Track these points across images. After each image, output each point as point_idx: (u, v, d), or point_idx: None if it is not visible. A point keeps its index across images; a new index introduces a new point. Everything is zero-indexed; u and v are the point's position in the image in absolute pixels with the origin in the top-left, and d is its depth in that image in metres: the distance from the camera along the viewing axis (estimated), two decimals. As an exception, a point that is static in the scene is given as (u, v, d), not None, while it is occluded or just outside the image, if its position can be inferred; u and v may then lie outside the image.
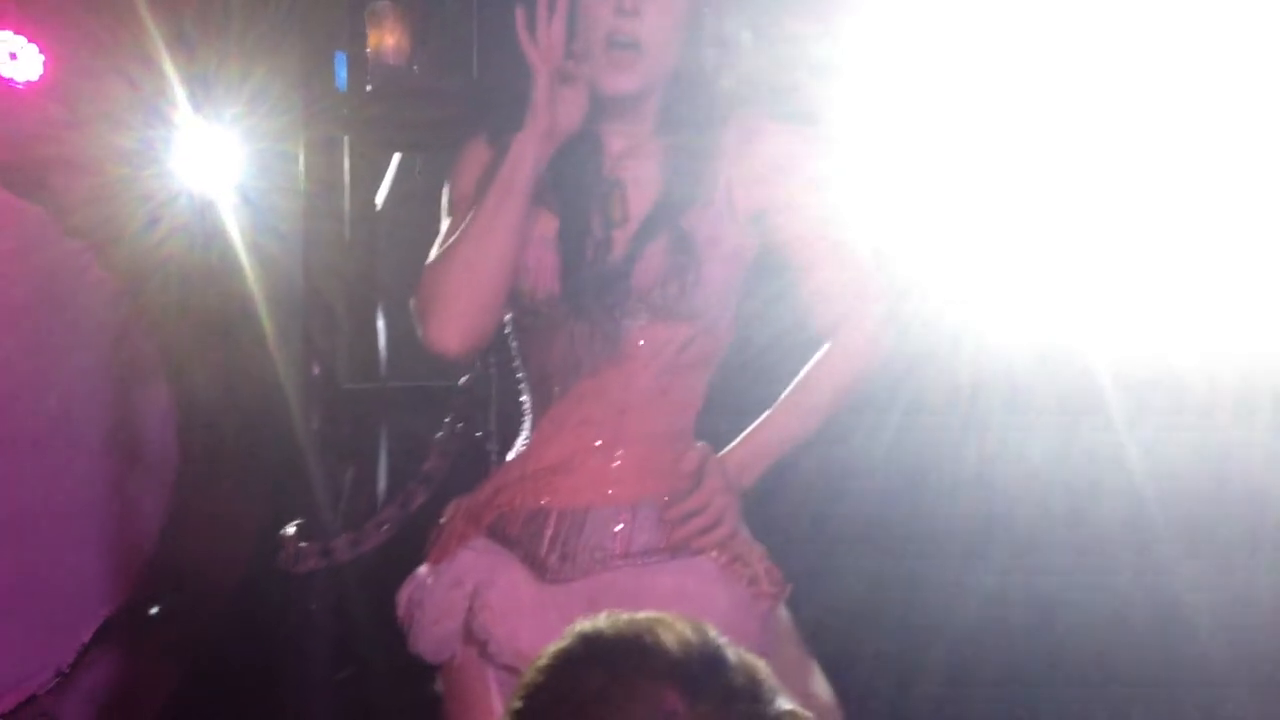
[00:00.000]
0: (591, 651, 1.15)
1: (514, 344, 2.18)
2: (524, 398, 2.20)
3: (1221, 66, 2.78)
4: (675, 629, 1.14)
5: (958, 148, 2.94)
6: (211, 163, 3.71)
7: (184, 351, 3.73)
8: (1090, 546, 3.08)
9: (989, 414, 3.07)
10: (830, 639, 2.31)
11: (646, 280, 2.04)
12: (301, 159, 3.29)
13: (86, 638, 3.68)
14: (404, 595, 2.15)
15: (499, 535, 2.11)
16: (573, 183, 2.07)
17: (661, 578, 2.04)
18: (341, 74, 3.40)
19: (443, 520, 2.20)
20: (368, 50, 3.38)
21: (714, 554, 2.07)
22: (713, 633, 1.16)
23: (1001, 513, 3.09)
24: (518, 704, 1.15)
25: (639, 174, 2.09)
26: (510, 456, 2.21)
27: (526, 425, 2.19)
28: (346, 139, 3.36)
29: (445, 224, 2.17)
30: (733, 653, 1.14)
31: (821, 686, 2.15)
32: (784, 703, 1.13)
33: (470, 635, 2.07)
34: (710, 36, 2.09)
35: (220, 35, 3.56)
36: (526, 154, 2.03)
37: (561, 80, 2.02)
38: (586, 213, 2.05)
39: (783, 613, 2.13)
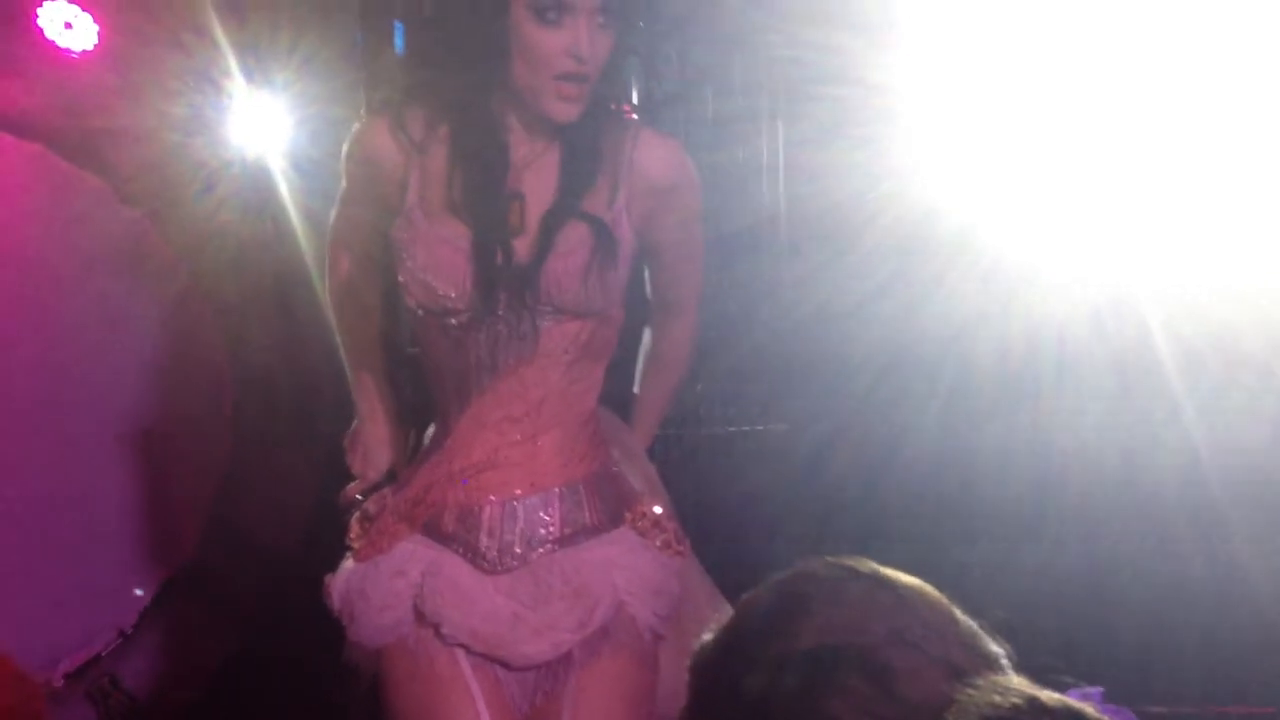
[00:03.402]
0: None
1: (419, 342, 2.30)
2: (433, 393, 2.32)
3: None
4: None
5: (1011, 112, 2.92)
6: (264, 129, 3.74)
7: (240, 317, 3.77)
8: (1146, 513, 3.06)
9: (1041, 378, 3.05)
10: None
11: (554, 282, 2.14)
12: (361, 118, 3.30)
13: (147, 599, 3.74)
14: (337, 586, 2.27)
15: (434, 532, 2.23)
16: (479, 193, 2.16)
17: (591, 552, 2.21)
18: (399, 41, 3.44)
19: (362, 511, 2.32)
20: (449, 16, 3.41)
21: (631, 524, 2.24)
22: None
23: (1055, 480, 3.07)
24: None
25: (539, 183, 2.18)
26: (424, 449, 2.34)
27: (439, 421, 2.31)
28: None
29: (343, 185, 2.32)
30: None
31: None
32: None
33: (422, 619, 2.20)
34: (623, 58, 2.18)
35: (271, 3, 3.58)
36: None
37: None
38: (492, 222, 2.15)
39: (693, 562, 2.33)
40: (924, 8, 2.84)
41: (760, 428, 3.40)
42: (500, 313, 2.15)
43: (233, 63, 3.59)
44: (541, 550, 2.19)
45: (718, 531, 2.97)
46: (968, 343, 2.93)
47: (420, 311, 2.19)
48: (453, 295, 2.15)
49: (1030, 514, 3.09)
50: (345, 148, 2.29)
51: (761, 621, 1.25)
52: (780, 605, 1.26)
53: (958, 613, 1.26)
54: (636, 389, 2.47)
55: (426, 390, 2.37)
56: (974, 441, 3.12)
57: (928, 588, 1.27)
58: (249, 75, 3.64)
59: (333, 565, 2.33)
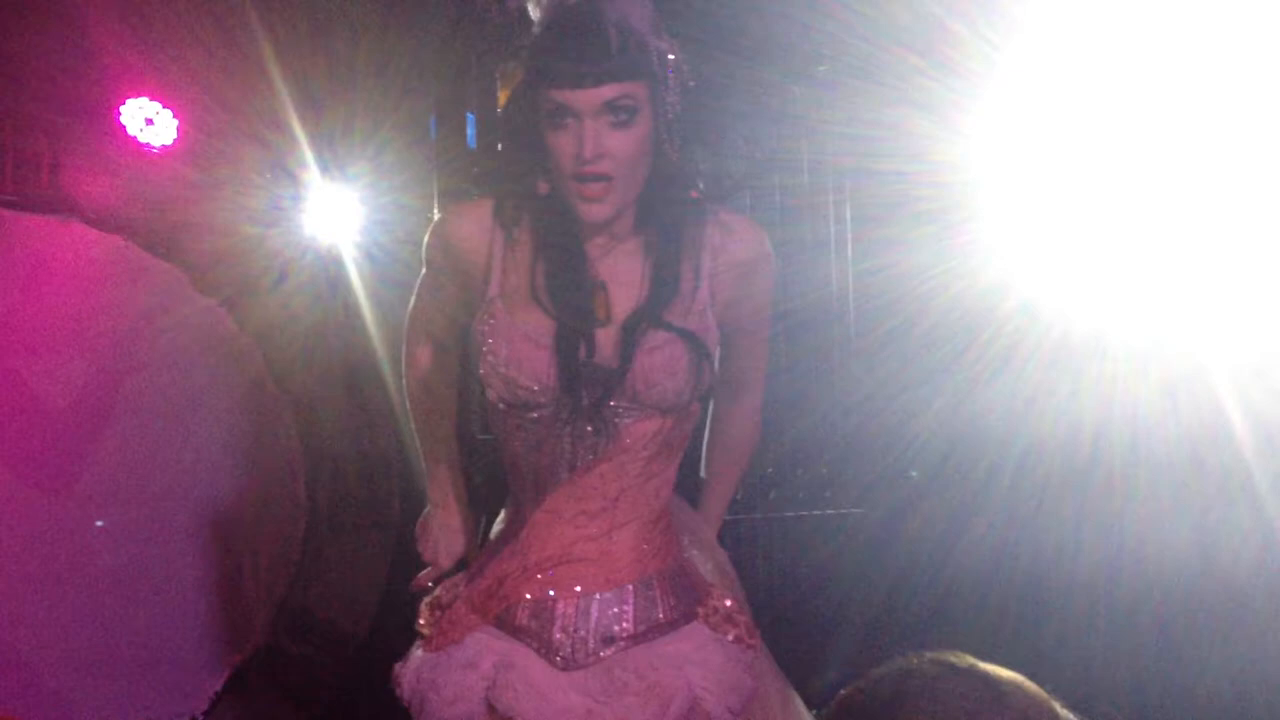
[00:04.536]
0: None
1: (497, 433, 2.26)
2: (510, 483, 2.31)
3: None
4: None
5: (1076, 186, 2.92)
6: (337, 219, 3.83)
7: (311, 402, 3.82)
8: (1221, 592, 2.99)
9: (1112, 455, 3.01)
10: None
11: (642, 379, 2.13)
12: (435, 214, 3.37)
13: (219, 685, 3.75)
14: (406, 675, 2.24)
15: (506, 625, 2.21)
16: (560, 284, 2.14)
17: (664, 648, 2.18)
18: (471, 133, 3.50)
19: (433, 599, 2.30)
20: (499, 111, 3.49)
21: (704, 618, 2.21)
22: None
23: (1127, 559, 3.02)
24: None
25: (620, 273, 2.17)
26: (496, 538, 2.32)
27: (512, 511, 2.29)
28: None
29: (423, 274, 2.28)
30: None
31: (801, 711, 2.29)
32: None
33: (493, 713, 2.17)
34: (679, 144, 2.13)
35: (347, 96, 3.67)
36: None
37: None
38: (576, 313, 2.13)
39: (764, 654, 2.28)
40: (986, 86, 2.85)
41: (831, 511, 3.38)
42: (582, 408, 2.13)
43: (309, 155, 3.68)
44: (615, 647, 2.17)
45: (786, 614, 2.94)
46: (1036, 419, 2.90)
47: (501, 405, 2.16)
48: (535, 389, 2.12)
49: (1102, 595, 3.03)
50: (428, 236, 2.27)
51: (863, 718, 1.25)
52: (881, 703, 1.25)
53: (1058, 707, 1.24)
54: (703, 473, 2.46)
55: (497, 477, 2.35)
56: (1042, 521, 3.08)
57: (1027, 682, 1.25)
58: (324, 167, 3.73)
59: (400, 652, 2.32)
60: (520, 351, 2.12)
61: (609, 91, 2.01)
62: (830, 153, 3.31)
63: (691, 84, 2.09)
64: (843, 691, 1.28)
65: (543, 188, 2.10)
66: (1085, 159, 2.91)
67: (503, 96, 2.19)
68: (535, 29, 2.04)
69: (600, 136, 2.03)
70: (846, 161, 3.28)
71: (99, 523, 3.67)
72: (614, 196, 2.07)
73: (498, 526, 2.33)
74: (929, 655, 1.27)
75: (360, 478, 3.81)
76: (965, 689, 1.22)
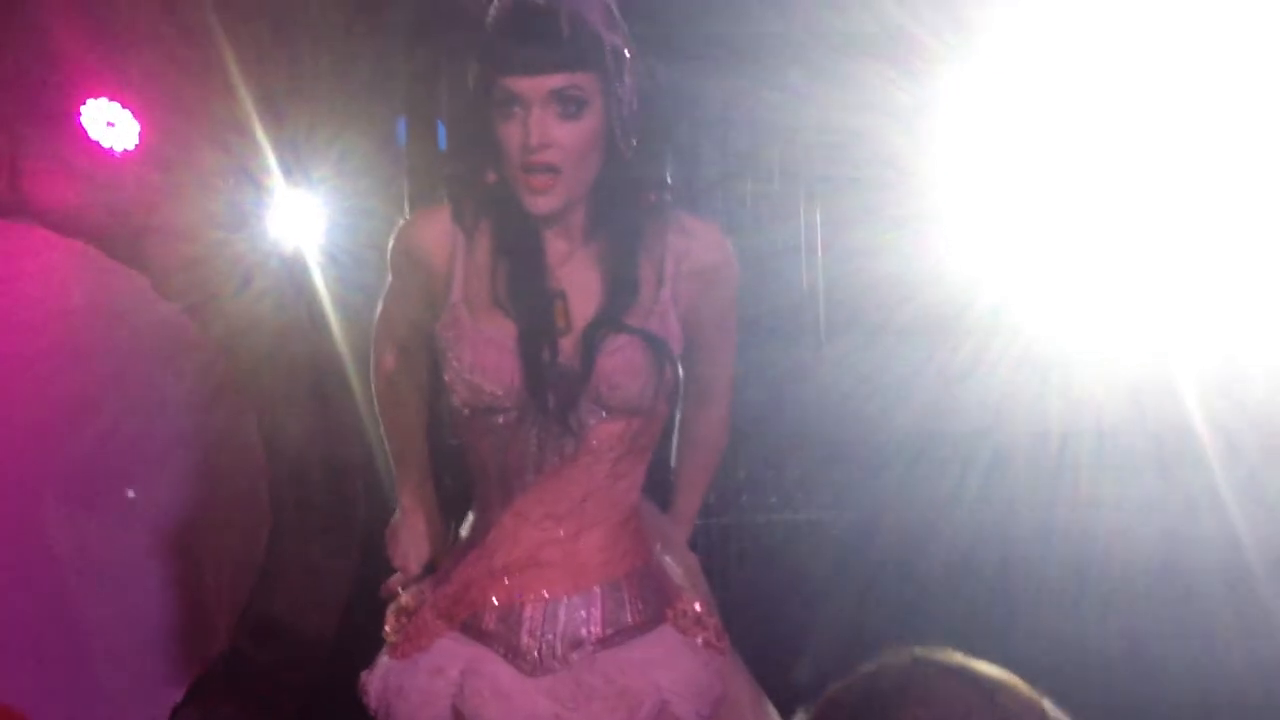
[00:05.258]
0: None
1: (463, 438, 2.25)
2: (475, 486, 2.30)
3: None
4: None
5: (1044, 192, 2.94)
6: (301, 224, 3.80)
7: (276, 408, 3.79)
8: (1186, 593, 3.02)
9: (1079, 459, 3.03)
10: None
11: (605, 381, 2.12)
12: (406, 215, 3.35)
13: (181, 693, 3.72)
14: (374, 683, 2.23)
15: (473, 630, 2.19)
16: (522, 292, 2.14)
17: (633, 652, 2.17)
18: (441, 135, 3.50)
19: (399, 605, 2.28)
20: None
21: (673, 621, 2.21)
22: None
23: (1095, 561, 3.04)
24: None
25: (580, 279, 2.16)
26: (463, 543, 2.30)
27: (479, 515, 2.28)
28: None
29: (389, 280, 2.27)
30: None
31: (772, 715, 2.29)
32: None
33: (461, 719, 2.16)
34: (633, 143, 2.12)
35: (310, 100, 3.65)
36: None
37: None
38: (537, 320, 2.13)
39: (734, 658, 2.27)
40: (954, 93, 2.87)
41: (803, 516, 3.39)
42: (548, 411, 2.12)
43: (271, 160, 3.65)
44: (583, 651, 2.16)
45: (758, 618, 2.94)
46: (1005, 423, 2.92)
47: (466, 410, 2.16)
48: (500, 394, 2.12)
49: (1069, 596, 3.05)
50: (391, 242, 2.26)
51: (848, 719, 1.24)
52: (867, 702, 1.24)
53: (1047, 706, 1.24)
54: (673, 475, 2.46)
55: (466, 481, 2.35)
56: (1012, 523, 3.10)
57: (1016, 681, 1.25)
58: (287, 171, 3.70)
59: (367, 658, 2.31)
60: (484, 357, 2.11)
61: (557, 80, 2.01)
62: (801, 158, 3.33)
63: (648, 83, 2.08)
64: (830, 689, 1.27)
65: (491, 177, 2.10)
66: (1051, 165, 2.94)
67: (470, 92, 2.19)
68: (489, 20, 2.05)
69: (547, 126, 2.03)
70: (816, 167, 3.30)
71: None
72: (560, 188, 2.07)
73: (464, 531, 2.32)
74: (918, 651, 1.26)
75: (325, 483, 3.78)
76: (958, 689, 1.21)
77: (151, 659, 3.73)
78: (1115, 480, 2.98)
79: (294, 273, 3.76)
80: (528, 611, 2.17)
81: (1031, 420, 2.92)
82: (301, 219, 3.81)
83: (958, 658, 1.25)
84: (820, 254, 3.37)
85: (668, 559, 2.30)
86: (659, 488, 2.45)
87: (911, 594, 3.10)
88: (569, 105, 2.03)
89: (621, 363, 2.11)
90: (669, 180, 2.19)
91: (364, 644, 2.38)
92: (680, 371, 2.19)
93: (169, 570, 3.72)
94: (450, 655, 2.18)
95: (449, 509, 2.48)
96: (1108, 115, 2.82)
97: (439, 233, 2.18)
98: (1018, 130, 2.89)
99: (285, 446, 3.78)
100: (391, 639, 2.24)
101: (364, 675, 2.25)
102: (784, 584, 3.26)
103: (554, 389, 2.10)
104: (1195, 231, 2.78)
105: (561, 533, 2.18)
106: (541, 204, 2.07)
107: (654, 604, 2.21)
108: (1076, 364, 2.93)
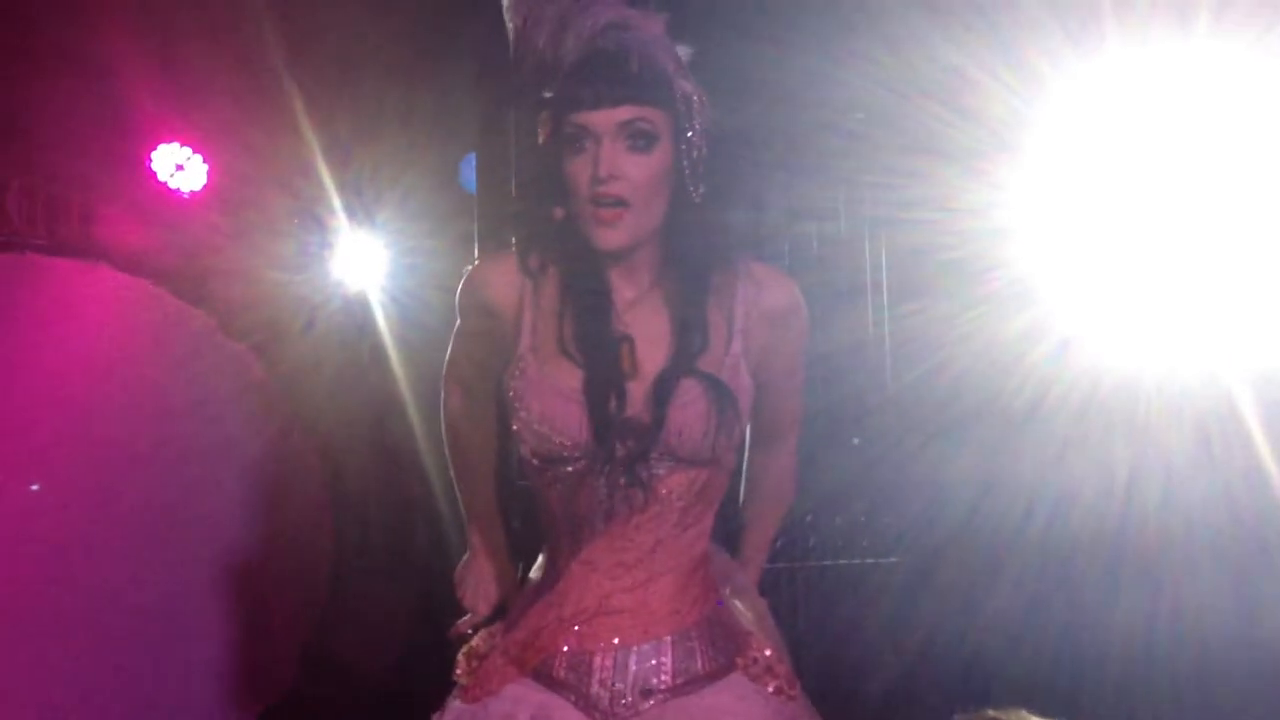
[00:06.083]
0: None
1: (532, 484, 2.24)
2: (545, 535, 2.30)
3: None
4: None
5: (1104, 229, 2.92)
6: (364, 264, 3.84)
7: (339, 447, 3.83)
8: (1262, 641, 2.95)
9: (1146, 499, 2.99)
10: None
11: (675, 433, 2.11)
12: (476, 257, 3.37)
13: (246, 730, 3.75)
14: None
15: (544, 677, 2.19)
16: (589, 336, 2.13)
17: (704, 699, 2.15)
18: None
19: (470, 648, 2.28)
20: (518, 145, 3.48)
21: (744, 669, 2.19)
22: None
23: (1165, 603, 2.98)
24: None
25: (648, 325, 2.15)
26: (532, 588, 2.29)
27: (548, 561, 2.27)
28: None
29: (458, 322, 2.27)
30: None
31: None
32: None
33: None
34: (699, 186, 2.11)
35: (374, 142, 3.70)
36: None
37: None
38: (605, 366, 2.11)
39: (804, 705, 2.26)
40: (1011, 133, 2.86)
41: (869, 561, 3.36)
42: (617, 461, 2.11)
43: (336, 201, 3.70)
44: (654, 700, 2.15)
45: (823, 663, 2.92)
46: (1067, 467, 2.88)
47: (535, 460, 2.15)
48: (568, 445, 2.11)
49: (1139, 651, 2.99)
50: (459, 288, 2.25)
51: None
52: None
53: None
54: (742, 521, 2.43)
55: (534, 523, 2.34)
56: (1075, 572, 3.05)
57: None
58: (351, 213, 3.74)
59: (430, 696, 2.30)
60: (552, 407, 2.11)
61: (627, 112, 2.03)
62: (864, 201, 3.33)
63: (716, 130, 2.08)
64: None
65: (558, 213, 2.09)
66: (1113, 203, 2.91)
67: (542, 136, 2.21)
68: (561, 64, 2.05)
69: (617, 158, 2.04)
70: (880, 210, 3.29)
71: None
72: (628, 223, 2.06)
73: (534, 574, 2.31)
74: (991, 712, 1.25)
75: (387, 522, 3.81)
76: None
77: (216, 699, 3.75)
78: (1184, 528, 2.93)
79: (357, 313, 3.80)
80: (598, 660, 2.17)
81: (1095, 466, 2.88)
82: (364, 260, 3.86)
83: (1028, 717, 1.24)
84: (885, 295, 3.36)
85: (737, 603, 2.29)
86: (726, 534, 2.44)
87: (973, 642, 3.06)
88: (638, 139, 2.04)
89: (693, 415, 2.09)
90: (737, 225, 2.18)
91: (425, 684, 2.38)
92: (746, 425, 2.18)
93: (233, 610, 3.75)
94: (520, 700, 2.18)
95: (518, 550, 2.49)
96: (1171, 152, 2.79)
97: (507, 281, 2.18)
98: (1079, 168, 2.87)
99: (348, 486, 3.81)
100: (462, 681, 2.25)
101: (434, 717, 2.26)
102: (845, 629, 3.23)
103: (622, 440, 2.09)
104: (1259, 268, 2.74)
105: (631, 581, 2.17)
106: (609, 237, 2.07)
107: (724, 651, 2.20)
108: (1140, 407, 2.89)
